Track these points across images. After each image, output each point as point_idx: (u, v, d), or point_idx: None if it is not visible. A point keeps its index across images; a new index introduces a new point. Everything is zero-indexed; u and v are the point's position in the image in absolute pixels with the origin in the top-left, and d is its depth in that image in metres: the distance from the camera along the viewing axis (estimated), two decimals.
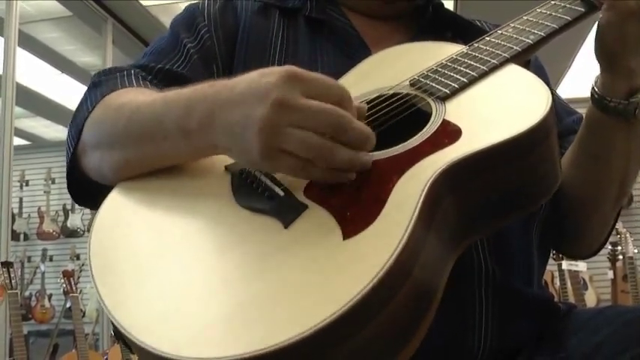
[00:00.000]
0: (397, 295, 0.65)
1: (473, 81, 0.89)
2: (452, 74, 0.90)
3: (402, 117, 0.88)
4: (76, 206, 6.94)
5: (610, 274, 5.36)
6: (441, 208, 0.73)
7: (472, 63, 0.92)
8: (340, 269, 0.66)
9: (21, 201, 7.08)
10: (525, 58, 0.94)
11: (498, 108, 0.86)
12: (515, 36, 0.95)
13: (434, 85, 0.89)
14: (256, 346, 0.59)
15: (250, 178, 0.81)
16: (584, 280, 5.77)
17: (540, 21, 0.96)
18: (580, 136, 1.04)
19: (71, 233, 6.98)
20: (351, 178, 0.76)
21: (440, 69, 0.92)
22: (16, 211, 6.88)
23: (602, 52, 0.95)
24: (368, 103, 0.88)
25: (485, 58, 0.92)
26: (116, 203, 0.86)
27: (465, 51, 0.95)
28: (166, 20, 5.29)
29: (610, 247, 5.00)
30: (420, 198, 0.70)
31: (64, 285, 4.64)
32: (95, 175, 0.94)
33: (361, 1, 1.15)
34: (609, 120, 0.97)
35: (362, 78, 0.98)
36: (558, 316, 1.02)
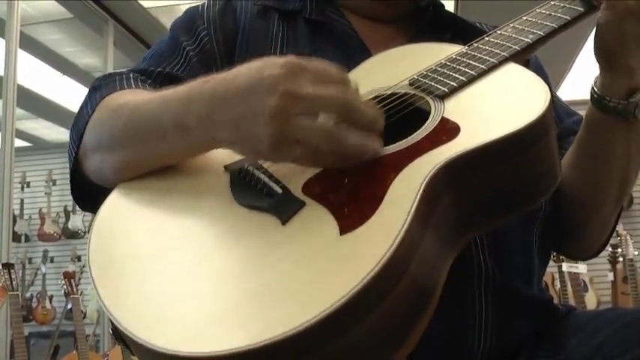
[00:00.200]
0: (394, 291, 0.65)
1: (472, 80, 0.89)
2: (451, 73, 0.90)
3: (400, 115, 0.88)
4: (77, 208, 6.91)
5: (610, 276, 5.37)
6: (438, 205, 0.74)
7: (471, 62, 0.92)
8: (337, 264, 0.67)
9: (22, 202, 7.09)
10: (525, 57, 0.94)
11: (497, 105, 0.86)
12: (514, 35, 0.95)
13: (433, 84, 0.89)
14: (253, 340, 0.60)
15: (249, 177, 0.81)
16: (584, 282, 5.77)
17: (540, 21, 0.96)
18: (580, 136, 1.04)
19: (72, 235, 6.99)
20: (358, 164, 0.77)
21: (439, 68, 0.93)
22: (17, 212, 6.88)
23: (602, 52, 0.95)
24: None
25: (485, 57, 0.92)
26: (115, 204, 0.86)
27: (465, 51, 0.95)
28: (167, 22, 5.31)
29: (610, 249, 5.01)
30: (418, 194, 0.70)
31: (65, 286, 4.64)
32: (97, 178, 0.94)
33: (362, 2, 1.15)
34: (609, 120, 0.97)
35: (362, 79, 0.96)
36: (557, 318, 1.02)
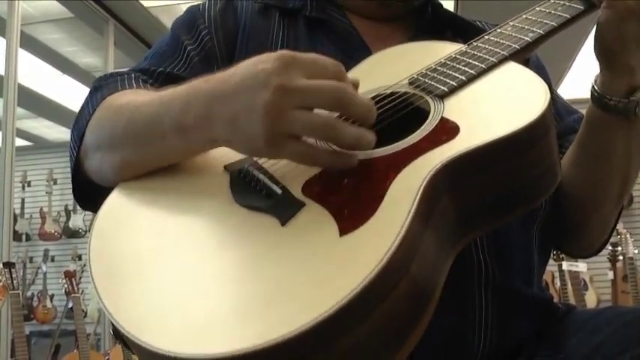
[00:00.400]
0: (394, 292, 0.65)
1: (471, 79, 0.88)
2: (451, 72, 0.90)
3: (400, 115, 0.88)
4: (78, 207, 6.92)
5: (610, 275, 5.36)
6: (438, 206, 0.73)
7: (471, 61, 0.91)
8: (336, 266, 0.66)
9: (23, 202, 7.08)
10: (524, 56, 0.94)
11: (497, 105, 0.86)
12: (514, 34, 0.95)
13: (432, 83, 0.89)
14: (254, 342, 0.59)
15: (248, 177, 0.81)
16: (584, 280, 5.78)
17: (539, 19, 0.95)
18: (580, 135, 1.04)
19: (73, 234, 6.99)
20: (354, 163, 0.77)
21: (439, 67, 0.92)
22: (18, 211, 6.88)
23: (602, 51, 0.95)
24: None
25: (484, 56, 0.91)
26: (116, 204, 0.86)
27: (464, 49, 0.95)
28: (167, 21, 5.31)
29: (610, 247, 5.01)
30: (418, 195, 0.70)
31: (66, 285, 4.65)
32: (97, 178, 0.95)
33: (357, 2, 1.16)
34: (609, 118, 0.97)
35: (362, 77, 0.96)
36: (557, 317, 1.02)
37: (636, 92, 0.94)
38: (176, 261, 0.74)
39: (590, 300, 5.82)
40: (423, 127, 0.82)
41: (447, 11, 1.21)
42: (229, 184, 0.82)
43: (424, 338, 0.68)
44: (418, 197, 0.70)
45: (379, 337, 0.65)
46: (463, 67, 0.90)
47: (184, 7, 1.18)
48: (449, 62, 0.93)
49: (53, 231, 7.02)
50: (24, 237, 7.00)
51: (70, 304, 4.89)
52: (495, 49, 0.92)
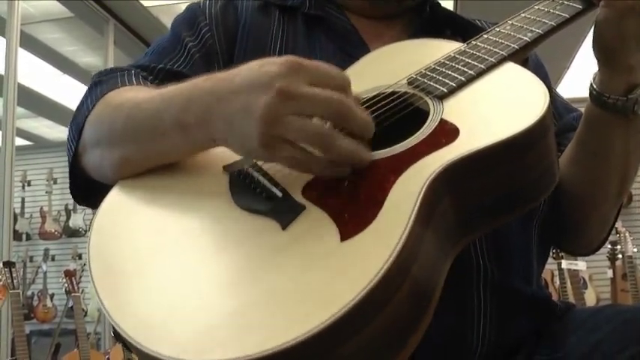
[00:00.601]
0: (395, 297, 0.65)
1: (471, 79, 0.88)
2: (450, 73, 0.90)
3: (399, 116, 0.87)
4: (78, 206, 6.92)
5: (609, 273, 5.35)
6: (439, 208, 0.73)
7: (470, 61, 0.91)
8: (338, 272, 0.66)
9: (23, 201, 7.08)
10: (523, 56, 0.94)
11: (496, 107, 0.85)
12: (513, 34, 0.94)
13: (432, 83, 0.89)
14: (256, 349, 0.59)
15: (248, 179, 0.81)
16: (583, 279, 5.77)
17: (538, 18, 0.95)
18: (579, 133, 1.04)
19: (73, 233, 6.98)
20: (346, 173, 0.77)
21: (438, 67, 0.92)
22: (18, 211, 6.87)
23: (600, 49, 0.95)
24: (366, 102, 0.88)
25: (483, 56, 0.91)
26: (115, 203, 0.86)
27: (463, 49, 0.95)
28: (167, 21, 5.29)
29: (609, 246, 5.00)
30: (418, 199, 0.70)
31: (66, 284, 4.64)
32: (96, 174, 0.95)
33: (356, 1, 1.16)
34: (608, 116, 0.97)
35: (360, 75, 0.96)
36: (557, 315, 1.02)
37: (635, 90, 0.94)
38: (176, 262, 0.74)
39: (590, 298, 5.81)
40: (422, 129, 0.82)
41: (445, 10, 1.21)
42: (229, 186, 0.82)
43: (424, 338, 0.68)
44: (419, 202, 0.69)
45: (381, 340, 0.65)
46: (462, 68, 0.90)
47: (184, 7, 1.18)
48: (448, 62, 0.93)
49: (53, 230, 7.01)
50: (24, 236, 7.00)
51: (71, 304, 4.88)
52: (494, 49, 0.92)
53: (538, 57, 1.19)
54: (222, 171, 0.84)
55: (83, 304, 5.09)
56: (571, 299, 4.62)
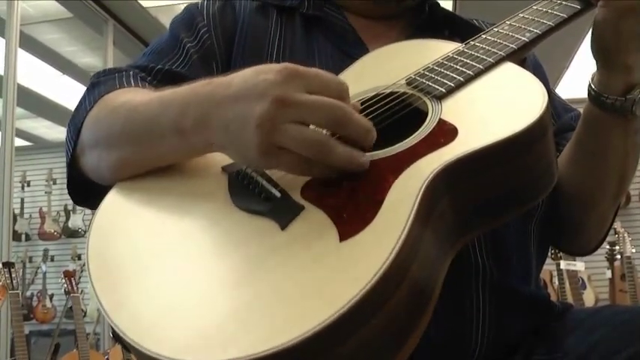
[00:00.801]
0: (394, 297, 0.65)
1: (469, 79, 0.88)
2: (448, 73, 0.90)
3: (398, 116, 0.87)
4: (77, 207, 6.92)
5: (608, 274, 5.36)
6: (437, 208, 0.73)
7: (468, 61, 0.91)
8: (337, 272, 0.66)
9: (22, 201, 7.07)
10: (522, 56, 0.94)
11: (495, 107, 0.85)
12: (511, 34, 0.94)
13: (430, 83, 0.89)
14: (255, 349, 0.59)
15: (247, 180, 0.81)
16: (582, 279, 5.77)
17: (536, 18, 0.95)
18: (577, 133, 1.04)
19: (72, 233, 6.97)
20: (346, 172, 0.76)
21: (436, 67, 0.92)
22: (17, 211, 6.87)
23: (599, 49, 0.95)
24: (364, 102, 0.88)
25: (482, 56, 0.91)
26: (113, 204, 0.86)
27: (462, 49, 0.95)
28: (166, 21, 5.28)
29: (608, 246, 5.01)
30: (417, 199, 0.70)
31: (66, 285, 4.64)
32: (94, 175, 0.95)
33: (352, 1, 1.16)
34: (606, 117, 0.97)
35: (359, 76, 0.97)
36: (554, 315, 1.02)
37: (633, 90, 0.94)
38: (175, 263, 0.74)
39: (588, 299, 5.81)
40: (421, 130, 0.82)
41: (444, 10, 1.20)
42: (227, 186, 0.82)
43: (423, 338, 0.68)
44: (417, 202, 0.69)
45: (380, 341, 0.65)
46: (460, 68, 0.90)
47: (183, 7, 1.18)
48: (446, 62, 0.93)
49: (53, 231, 7.01)
50: (23, 237, 6.99)
51: (70, 304, 4.88)
52: (492, 49, 0.92)
53: (537, 57, 1.20)
54: (220, 171, 0.84)
55: (82, 305, 5.09)
56: (570, 300, 4.62)
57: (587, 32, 0.95)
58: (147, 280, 0.73)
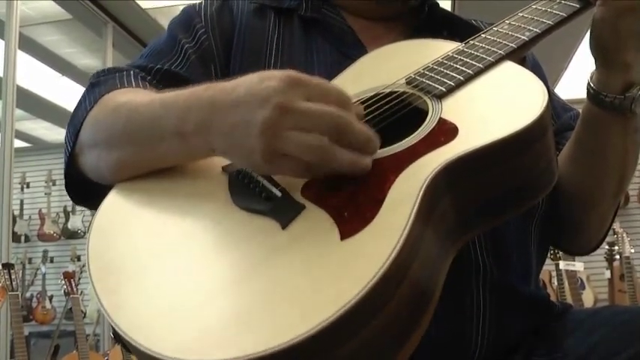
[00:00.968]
0: (397, 295, 0.65)
1: (469, 79, 0.88)
2: (448, 72, 0.90)
3: (398, 115, 0.87)
4: (77, 208, 6.94)
5: (607, 274, 5.37)
6: (438, 207, 0.73)
7: (468, 60, 0.91)
8: (338, 271, 0.66)
9: (22, 203, 7.08)
10: (521, 55, 0.95)
11: (495, 106, 0.85)
12: (510, 33, 0.95)
13: (430, 83, 0.89)
14: (256, 349, 0.59)
15: (247, 179, 0.81)
16: (581, 279, 5.78)
17: (536, 18, 0.96)
18: (577, 132, 1.04)
19: (72, 235, 6.97)
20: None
21: (436, 67, 0.92)
22: (16, 212, 6.87)
23: (598, 48, 0.95)
24: (364, 102, 0.88)
25: (481, 55, 0.92)
26: (114, 205, 0.86)
27: (461, 48, 0.95)
28: (165, 23, 5.25)
29: (607, 246, 5.02)
30: (418, 198, 0.70)
31: (65, 286, 4.64)
32: (93, 175, 0.95)
33: (354, 1, 1.16)
34: (605, 115, 0.97)
35: (358, 76, 0.98)
36: (554, 315, 1.02)
37: (632, 89, 0.94)
38: (175, 262, 0.74)
39: (588, 299, 5.82)
40: (421, 129, 0.82)
41: (443, 10, 1.21)
42: (228, 186, 0.82)
43: (423, 337, 0.69)
44: (418, 201, 0.70)
45: (381, 341, 0.65)
46: (460, 67, 0.90)
47: (182, 9, 1.19)
48: (446, 61, 0.93)
49: (52, 232, 7.01)
50: (23, 238, 6.99)
51: (69, 305, 4.88)
52: (492, 48, 0.92)
53: (536, 58, 1.20)
54: (221, 171, 0.84)
55: (82, 306, 5.10)
56: (569, 300, 4.63)
57: (586, 33, 0.95)
58: (147, 280, 0.73)
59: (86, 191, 0.98)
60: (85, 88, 1.03)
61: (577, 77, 4.99)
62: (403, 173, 0.75)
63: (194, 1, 1.17)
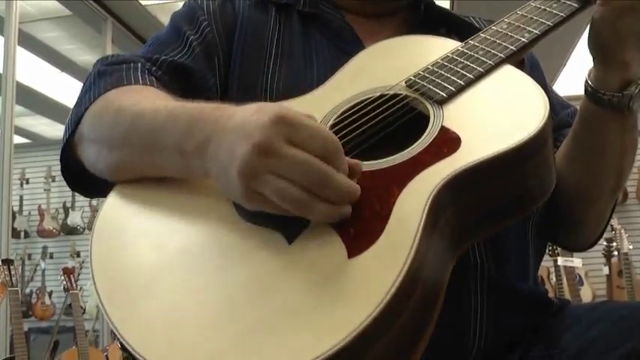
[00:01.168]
0: (405, 311, 0.65)
1: (469, 83, 0.88)
2: (448, 75, 0.90)
3: (401, 122, 0.87)
4: (76, 204, 6.94)
5: (605, 270, 5.36)
6: (442, 219, 0.74)
7: (468, 63, 0.91)
8: (346, 292, 0.66)
9: (21, 199, 7.07)
10: (521, 56, 0.95)
11: (497, 115, 0.85)
12: (510, 34, 0.94)
13: (431, 87, 0.89)
14: None
15: None
16: (579, 276, 5.77)
17: (535, 17, 0.96)
18: (574, 129, 1.04)
19: (71, 231, 6.96)
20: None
21: (436, 69, 0.92)
22: (16, 208, 6.86)
23: (596, 46, 0.95)
24: (366, 105, 0.89)
25: (482, 58, 0.91)
26: (116, 211, 0.85)
27: (461, 49, 0.95)
28: (165, 20, 5.26)
29: (605, 243, 5.00)
30: (423, 215, 0.70)
31: (65, 282, 4.63)
32: (90, 167, 0.95)
33: (349, 1, 1.16)
34: (603, 113, 0.97)
35: (356, 75, 0.97)
36: (552, 311, 1.02)
37: (630, 86, 0.95)
38: (182, 280, 0.74)
39: (586, 295, 5.81)
40: (423, 138, 0.82)
41: (440, 8, 1.21)
42: None
43: None
44: (424, 217, 0.70)
45: (395, 349, 0.65)
46: (461, 70, 0.90)
47: (181, 5, 1.19)
48: (446, 63, 0.92)
49: (52, 228, 7.00)
50: (22, 234, 6.98)
51: (69, 301, 4.88)
52: (492, 51, 0.92)
53: (534, 55, 1.20)
54: None
55: (81, 302, 5.08)
56: (567, 296, 4.61)
57: (585, 30, 0.95)
58: (154, 297, 0.73)
59: (82, 178, 0.98)
60: (91, 73, 1.02)
61: (575, 74, 4.99)
62: (407, 187, 0.75)
63: None
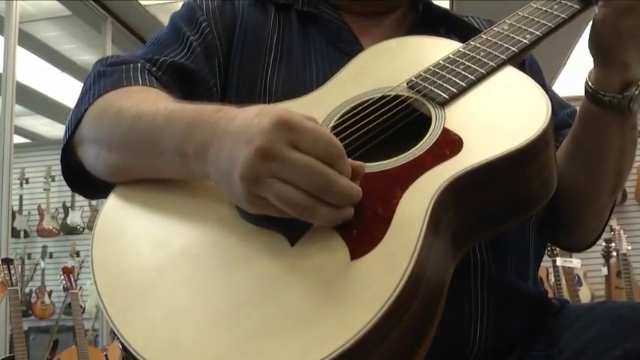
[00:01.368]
0: (407, 314, 0.65)
1: (471, 85, 0.88)
2: (450, 77, 0.90)
3: (403, 123, 0.87)
4: (76, 203, 6.93)
5: (604, 271, 5.37)
6: (444, 221, 0.74)
7: (470, 65, 0.91)
8: (349, 295, 0.66)
9: (21, 198, 7.06)
10: (522, 58, 0.95)
11: (499, 117, 0.85)
12: (511, 35, 0.94)
13: (432, 88, 0.89)
14: None
15: None
16: (578, 276, 5.77)
17: (536, 18, 0.95)
18: (574, 130, 1.04)
19: (71, 230, 6.95)
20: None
21: (438, 70, 0.92)
22: (16, 208, 6.85)
23: (597, 47, 0.95)
24: (368, 107, 0.89)
25: (483, 59, 0.91)
26: (116, 212, 0.85)
27: (462, 50, 0.94)
28: (165, 19, 5.24)
29: (604, 243, 5.01)
30: (426, 217, 0.70)
31: (64, 281, 4.62)
32: (90, 168, 0.95)
33: (346, 1, 1.16)
34: (603, 114, 0.97)
35: (358, 75, 0.97)
36: (551, 312, 1.02)
37: (630, 88, 0.95)
38: (183, 282, 0.73)
39: (584, 296, 5.81)
40: (425, 139, 0.82)
41: (439, 8, 1.21)
42: None
43: None
44: (427, 220, 0.69)
45: (397, 352, 0.65)
46: (462, 72, 0.90)
47: (181, 5, 1.19)
48: (448, 65, 0.92)
49: (51, 227, 6.99)
50: (22, 233, 6.97)
51: (68, 300, 4.88)
52: (494, 52, 0.92)
53: (533, 55, 1.19)
54: None
55: (81, 301, 5.07)
56: (566, 296, 4.63)
57: (584, 30, 0.96)
58: (157, 299, 0.72)
59: (82, 178, 0.98)
60: (91, 74, 1.02)
61: (575, 74, 5.00)
62: (410, 189, 0.75)
63: None
